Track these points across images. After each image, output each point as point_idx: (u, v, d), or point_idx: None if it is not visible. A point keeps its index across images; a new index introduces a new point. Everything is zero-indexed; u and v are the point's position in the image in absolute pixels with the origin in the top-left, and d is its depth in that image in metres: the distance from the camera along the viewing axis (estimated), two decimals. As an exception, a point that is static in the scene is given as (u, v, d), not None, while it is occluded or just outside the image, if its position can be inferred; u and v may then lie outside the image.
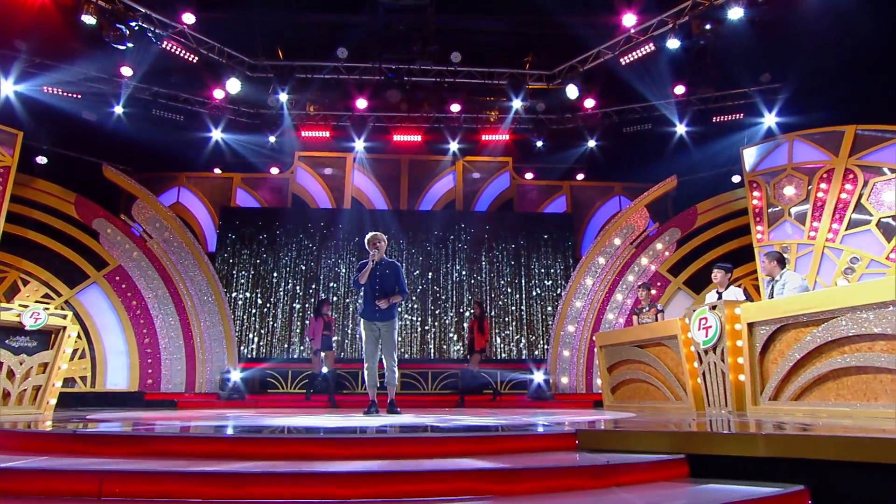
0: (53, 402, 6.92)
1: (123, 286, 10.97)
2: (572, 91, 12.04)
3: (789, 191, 10.29)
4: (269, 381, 11.16)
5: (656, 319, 7.96)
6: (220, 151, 13.77)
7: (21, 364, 6.59)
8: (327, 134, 13.72)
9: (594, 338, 9.06)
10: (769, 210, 10.48)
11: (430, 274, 13.05)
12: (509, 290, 13.04)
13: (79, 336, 9.27)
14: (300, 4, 11.77)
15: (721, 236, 11.72)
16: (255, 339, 12.35)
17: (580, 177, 14.61)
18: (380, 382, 6.24)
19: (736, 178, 12.61)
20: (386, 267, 6.18)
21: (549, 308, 12.79)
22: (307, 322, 12.35)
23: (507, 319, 12.84)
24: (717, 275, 6.94)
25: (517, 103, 12.70)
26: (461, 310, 12.77)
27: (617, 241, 12.05)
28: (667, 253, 11.92)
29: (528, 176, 14.52)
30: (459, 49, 11.67)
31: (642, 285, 8.74)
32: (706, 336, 5.76)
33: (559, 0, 10.73)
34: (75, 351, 9.95)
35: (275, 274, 12.76)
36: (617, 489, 2.70)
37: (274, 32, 12.36)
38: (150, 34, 10.53)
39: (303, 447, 3.19)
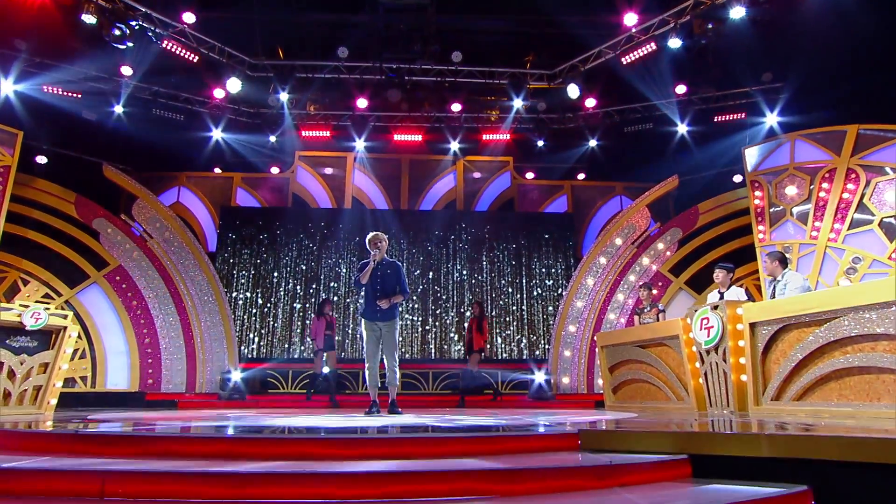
0: (54, 402, 6.92)
1: (124, 286, 10.96)
2: (573, 90, 12.03)
3: (791, 190, 10.27)
4: (269, 382, 11.15)
5: (658, 319, 7.94)
6: (220, 151, 13.75)
7: (22, 364, 6.58)
8: (328, 133, 13.70)
9: (595, 338, 9.06)
10: (771, 210, 10.47)
11: (431, 273, 13.04)
12: (510, 290, 13.02)
13: (79, 336, 9.26)
14: (300, 4, 11.75)
15: (723, 236, 11.71)
16: (256, 339, 12.34)
17: (581, 176, 14.59)
18: (381, 382, 6.23)
19: (737, 178, 12.59)
20: (387, 267, 6.17)
21: (550, 308, 12.77)
22: (308, 322, 12.36)
23: (507, 319, 12.83)
24: (718, 275, 6.92)
25: (518, 103, 12.69)
26: (462, 309, 12.75)
27: (618, 241, 12.04)
28: (668, 253, 11.91)
29: (529, 176, 14.51)
30: (460, 48, 11.65)
31: (643, 285, 8.72)
32: (708, 336, 5.76)
33: (560, -1, 10.74)
34: (75, 351, 9.94)
35: (275, 273, 12.75)
36: (620, 489, 2.70)
37: (274, 32, 12.35)
38: (150, 33, 10.52)
39: (304, 447, 3.19)
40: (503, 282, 13.06)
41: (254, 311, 12.50)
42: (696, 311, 6.02)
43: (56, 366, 6.86)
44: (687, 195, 12.74)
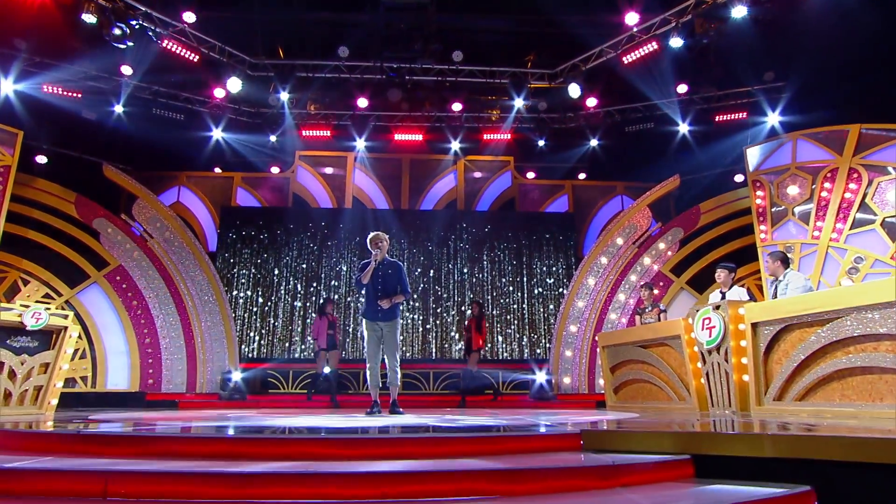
0: (55, 402, 6.91)
1: (124, 286, 10.95)
2: (574, 90, 12.01)
3: (793, 190, 10.25)
4: (270, 382, 11.14)
5: (659, 319, 7.93)
6: (220, 151, 13.74)
7: (22, 364, 6.57)
8: (328, 133, 13.68)
9: (597, 338, 9.04)
10: (773, 209, 10.45)
11: (432, 273, 13.03)
12: (511, 290, 13.01)
13: (79, 336, 9.25)
14: (301, 3, 11.76)
15: (724, 236, 11.70)
16: (256, 339, 12.33)
17: (582, 176, 14.57)
18: (382, 383, 6.21)
19: (739, 178, 12.57)
20: (388, 267, 6.15)
21: (552, 307, 12.76)
22: (308, 322, 12.36)
23: (508, 319, 12.81)
24: (720, 274, 6.91)
25: (519, 102, 12.67)
26: (463, 309, 12.74)
27: (619, 241, 12.02)
28: (669, 253, 11.89)
29: (530, 175, 14.48)
30: (461, 48, 11.64)
31: (645, 285, 8.71)
32: (710, 336, 5.74)
33: (561, -2, 10.73)
34: (76, 351, 9.92)
35: (276, 272, 12.74)
36: (623, 489, 2.70)
37: (275, 31, 12.35)
38: (150, 33, 10.51)
39: (306, 447, 3.19)
40: (504, 281, 13.05)
41: (254, 310, 12.49)
42: (697, 310, 6.01)
43: (57, 366, 6.85)
44: (688, 195, 12.73)
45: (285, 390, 11.10)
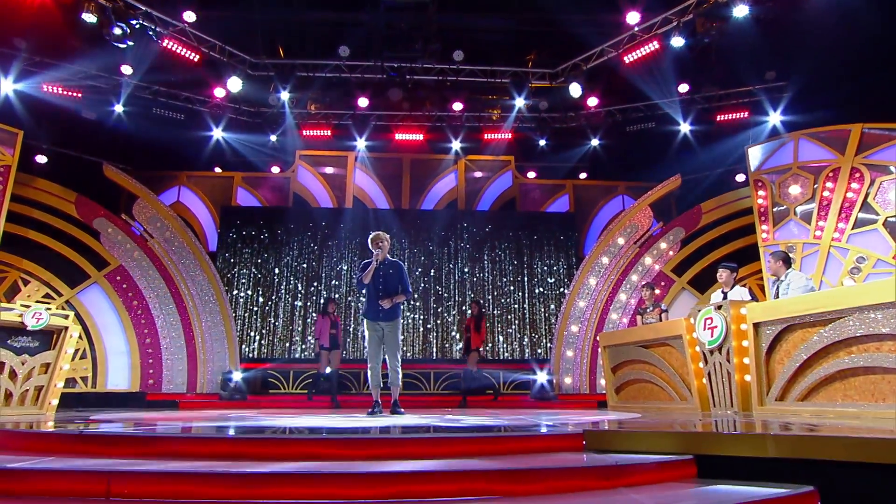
0: (55, 402, 6.90)
1: (124, 286, 10.94)
2: (575, 89, 12.00)
3: (795, 190, 10.23)
4: (270, 382, 11.13)
5: (660, 319, 7.92)
6: (220, 150, 13.74)
7: (23, 364, 6.56)
8: (329, 133, 13.68)
9: (598, 338, 9.03)
10: (774, 209, 10.43)
11: (433, 273, 13.02)
12: (512, 289, 12.99)
13: (80, 336, 9.23)
14: (301, 3, 11.76)
15: (726, 236, 11.67)
16: (257, 339, 12.32)
17: (583, 176, 14.55)
18: (383, 383, 6.20)
19: (740, 178, 12.55)
20: (389, 266, 6.14)
21: (553, 306, 12.74)
22: (309, 321, 12.35)
23: (509, 318, 12.80)
24: (722, 274, 6.89)
25: (520, 102, 12.66)
26: (464, 309, 12.72)
27: (620, 241, 12.00)
28: (671, 252, 11.87)
29: (531, 175, 14.46)
30: (461, 47, 11.63)
31: (646, 285, 8.69)
32: (711, 336, 5.73)
33: (562, -3, 10.72)
34: (76, 351, 9.91)
35: (276, 271, 12.73)
36: (626, 489, 2.70)
37: (275, 31, 12.35)
38: (150, 32, 10.50)
39: (309, 448, 3.20)
40: (504, 280, 13.04)
41: (255, 310, 12.48)
42: (699, 310, 5.99)
43: (57, 366, 6.84)
44: (690, 194, 12.70)
45: (286, 390, 11.09)
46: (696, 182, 13.01)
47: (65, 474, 2.61)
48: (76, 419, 5.43)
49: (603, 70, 12.05)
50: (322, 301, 11.96)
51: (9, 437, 3.69)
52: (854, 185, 9.56)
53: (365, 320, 6.18)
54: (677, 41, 10.55)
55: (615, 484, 2.73)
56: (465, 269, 13.07)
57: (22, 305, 6.77)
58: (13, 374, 6.48)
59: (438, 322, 12.75)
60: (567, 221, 13.55)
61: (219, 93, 12.36)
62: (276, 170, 13.95)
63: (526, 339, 12.67)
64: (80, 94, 11.71)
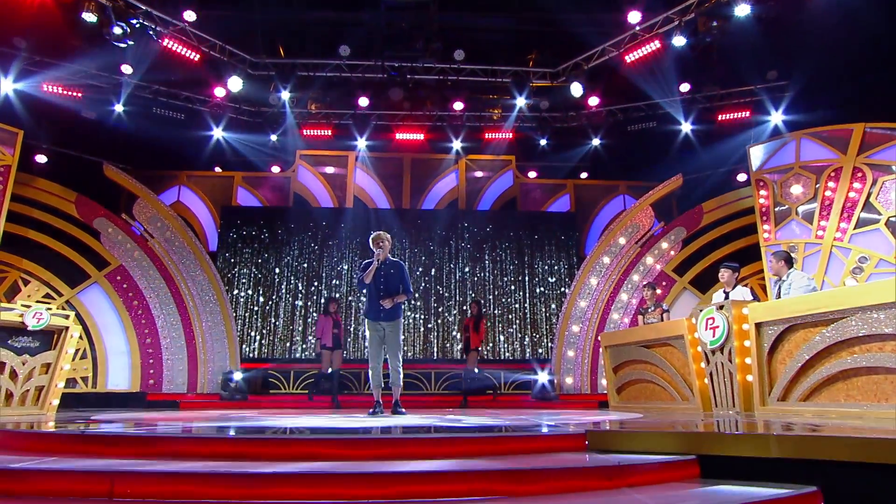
0: (56, 402, 6.90)
1: (125, 286, 10.93)
2: (576, 89, 11.98)
3: (796, 189, 10.21)
4: (271, 382, 11.12)
5: (662, 319, 7.91)
6: (221, 150, 13.72)
7: (24, 364, 6.56)
8: (329, 132, 13.67)
9: (599, 338, 9.01)
10: (776, 209, 10.41)
11: (434, 272, 13.00)
12: (512, 289, 12.98)
13: (80, 336, 9.22)
14: (302, 2, 11.74)
15: (727, 235, 11.64)
16: (257, 338, 12.31)
17: (584, 175, 14.53)
18: (384, 383, 6.19)
19: (742, 177, 12.54)
20: (390, 266, 6.13)
21: (553, 306, 12.73)
22: (310, 321, 12.34)
23: (510, 318, 12.79)
24: (724, 274, 6.88)
25: (521, 101, 12.64)
26: (464, 308, 12.71)
27: (622, 241, 11.98)
28: (672, 252, 11.85)
29: (532, 174, 14.44)
30: (462, 47, 11.61)
31: (647, 285, 8.68)
32: (713, 336, 5.71)
33: (563, -3, 10.70)
34: (76, 351, 9.90)
35: (276, 271, 12.72)
36: (629, 490, 2.69)
37: (276, 30, 12.34)
38: (150, 32, 10.49)
39: (311, 448, 3.19)
40: (505, 280, 13.03)
41: (255, 310, 12.47)
42: (701, 310, 5.98)
43: (58, 366, 6.83)
44: (691, 194, 12.67)
45: (286, 390, 11.08)
46: (697, 182, 12.98)
47: (68, 474, 2.61)
48: (77, 419, 5.42)
49: (604, 69, 12.02)
50: (323, 301, 11.95)
51: (10, 437, 3.69)
52: (856, 185, 9.53)
53: (366, 320, 6.17)
54: (679, 40, 10.53)
55: (618, 484, 2.72)
56: (466, 269, 13.06)
57: (23, 305, 6.77)
58: (14, 375, 6.47)
59: (439, 322, 12.74)
60: (568, 221, 13.53)
61: (219, 92, 12.34)
62: (276, 169, 13.94)
63: (527, 339, 12.65)
64: (80, 94, 11.70)
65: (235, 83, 11.60)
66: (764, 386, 5.29)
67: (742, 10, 9.70)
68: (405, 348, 12.27)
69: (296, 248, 12.93)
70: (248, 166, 13.86)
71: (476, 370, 10.26)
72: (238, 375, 10.25)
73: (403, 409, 6.20)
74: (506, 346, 12.65)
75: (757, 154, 10.85)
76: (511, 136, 13.77)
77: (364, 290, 6.18)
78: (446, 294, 12.91)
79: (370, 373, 6.14)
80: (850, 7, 9.07)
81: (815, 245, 9.80)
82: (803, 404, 4.93)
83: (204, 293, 11.21)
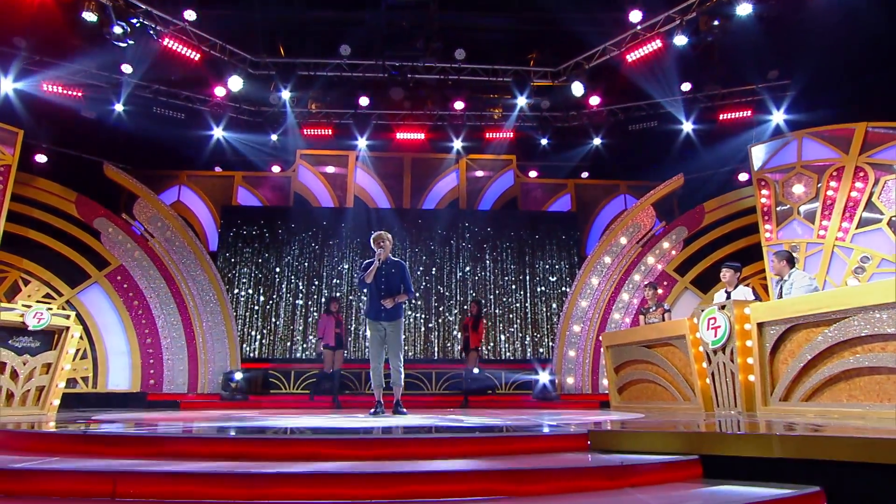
0: (57, 402, 6.89)
1: (125, 286, 10.92)
2: (577, 88, 11.97)
3: (798, 189, 10.19)
4: (271, 382, 11.11)
5: (663, 319, 7.89)
6: (221, 150, 13.71)
7: (24, 364, 6.55)
8: (330, 132, 13.66)
9: (601, 338, 9.00)
10: (778, 208, 10.39)
11: (434, 272, 13.00)
12: (513, 289, 12.97)
13: (80, 336, 9.22)
14: (302, 1, 11.73)
15: (729, 235, 11.62)
16: (258, 338, 12.30)
17: (585, 175, 14.51)
18: (385, 383, 6.18)
19: (743, 177, 12.51)
20: (392, 266, 6.12)
21: (554, 306, 12.72)
22: (310, 321, 12.33)
23: (511, 318, 12.77)
24: (725, 274, 6.87)
25: (521, 101, 12.63)
26: (465, 308, 12.70)
27: (623, 240, 11.97)
28: (673, 252, 11.83)
29: (533, 174, 14.43)
30: (463, 46, 11.61)
31: (649, 284, 8.66)
32: (715, 336, 5.70)
33: (563, -4, 10.70)
34: (77, 351, 9.89)
35: (277, 271, 12.71)
36: (631, 490, 2.68)
37: (276, 29, 12.34)
38: (150, 31, 10.49)
39: (313, 448, 3.19)
40: (506, 280, 13.01)
41: (255, 309, 12.46)
42: (702, 310, 5.97)
43: (59, 366, 6.82)
44: (692, 194, 12.64)
45: (287, 390, 11.07)
46: (698, 181, 12.95)
47: (70, 474, 2.60)
48: (78, 419, 5.41)
49: (605, 69, 12.02)
50: (324, 300, 11.94)
51: (11, 437, 3.69)
52: (858, 185, 9.52)
53: (367, 320, 6.16)
54: (680, 40, 10.53)
55: (620, 484, 2.71)
56: (467, 269, 13.05)
57: (23, 305, 6.76)
58: (14, 375, 6.47)
59: (440, 322, 12.73)
60: (569, 221, 13.52)
61: (219, 92, 12.33)
62: (276, 169, 13.93)
63: (528, 339, 12.64)
64: (80, 94, 11.69)
65: (236, 83, 11.59)
66: (766, 386, 5.28)
67: (743, 10, 9.70)
68: (406, 348, 12.26)
69: (296, 247, 12.92)
70: (248, 166, 13.85)
71: (476, 370, 10.25)
72: (239, 375, 10.24)
73: (404, 409, 6.19)
74: (507, 345, 12.64)
75: (758, 153, 10.83)
76: (512, 136, 13.76)
77: (365, 290, 6.17)
78: (447, 294, 12.90)
79: (371, 373, 6.13)
80: (851, 7, 9.06)
81: (817, 245, 9.78)
82: (805, 404, 4.92)
83: (204, 293, 11.20)
